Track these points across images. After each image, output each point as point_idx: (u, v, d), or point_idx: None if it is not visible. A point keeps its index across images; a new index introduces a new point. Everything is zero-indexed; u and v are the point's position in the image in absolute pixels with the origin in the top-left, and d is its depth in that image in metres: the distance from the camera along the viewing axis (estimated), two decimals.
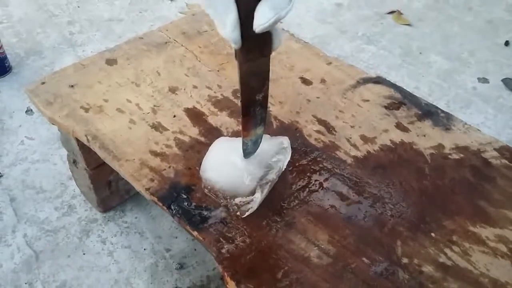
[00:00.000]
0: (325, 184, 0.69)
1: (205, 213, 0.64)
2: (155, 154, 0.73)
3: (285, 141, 0.71)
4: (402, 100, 0.86)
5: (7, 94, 1.41)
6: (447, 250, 0.62)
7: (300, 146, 0.75)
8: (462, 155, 0.76)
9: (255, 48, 0.52)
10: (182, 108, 0.81)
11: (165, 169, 0.70)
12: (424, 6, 1.93)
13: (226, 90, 0.85)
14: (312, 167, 0.72)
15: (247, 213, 0.63)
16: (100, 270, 0.97)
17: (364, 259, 0.60)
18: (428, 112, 0.84)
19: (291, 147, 0.73)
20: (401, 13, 1.86)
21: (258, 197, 0.63)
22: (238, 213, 0.63)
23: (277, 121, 0.80)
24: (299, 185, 0.69)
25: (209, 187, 0.66)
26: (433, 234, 0.64)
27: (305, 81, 0.89)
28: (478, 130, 0.81)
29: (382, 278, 0.58)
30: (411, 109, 0.84)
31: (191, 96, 0.84)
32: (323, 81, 0.89)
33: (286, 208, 0.65)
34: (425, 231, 0.64)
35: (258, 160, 0.65)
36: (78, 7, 1.83)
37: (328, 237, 0.62)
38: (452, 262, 0.60)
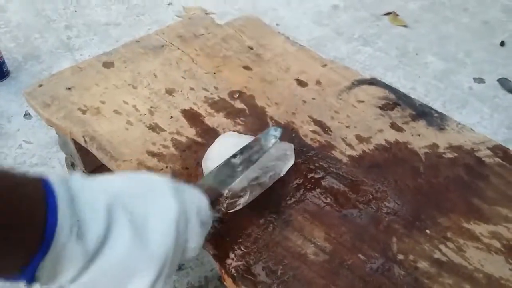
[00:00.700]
0: (321, 183, 0.70)
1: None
2: (152, 154, 0.73)
3: (289, 148, 0.70)
4: (396, 101, 0.87)
5: (5, 99, 1.42)
6: (442, 247, 0.62)
7: (296, 146, 0.76)
8: (456, 154, 0.77)
9: None
10: (179, 110, 0.82)
11: (162, 169, 0.71)
12: (420, 8, 1.94)
13: (222, 91, 0.86)
14: (308, 166, 0.73)
15: (232, 210, 0.64)
16: None
17: (360, 255, 0.61)
18: (422, 113, 0.84)
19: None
20: (397, 15, 1.88)
21: (246, 197, 0.63)
22: (224, 208, 0.64)
23: (273, 121, 0.81)
24: (296, 184, 0.70)
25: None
26: (428, 231, 0.64)
27: (301, 83, 0.90)
28: (472, 129, 0.82)
29: (378, 274, 0.59)
30: (405, 110, 0.85)
31: (187, 97, 0.84)
32: (318, 82, 0.90)
33: (283, 206, 0.66)
34: (420, 228, 0.65)
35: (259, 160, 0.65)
36: (76, 11, 1.84)
37: (325, 234, 0.63)
38: (447, 258, 0.61)
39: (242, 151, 0.63)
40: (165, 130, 0.78)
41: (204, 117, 0.81)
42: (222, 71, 0.91)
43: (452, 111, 1.41)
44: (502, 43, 1.75)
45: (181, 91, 0.86)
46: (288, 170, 0.71)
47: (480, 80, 1.57)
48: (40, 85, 0.86)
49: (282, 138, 0.76)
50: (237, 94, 0.86)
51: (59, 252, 0.34)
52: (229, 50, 0.97)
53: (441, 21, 1.86)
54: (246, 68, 0.92)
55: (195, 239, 0.47)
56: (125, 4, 1.90)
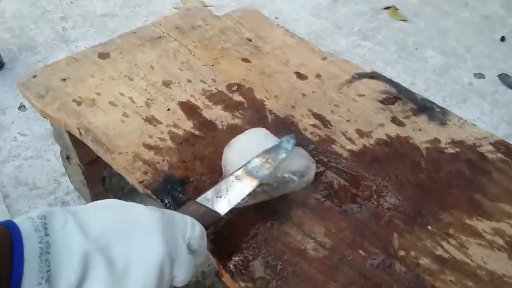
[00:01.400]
0: (321, 178, 0.69)
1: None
2: (148, 147, 0.72)
3: (309, 166, 0.66)
4: (397, 95, 0.85)
5: (0, 90, 1.40)
6: (444, 243, 0.61)
7: (296, 140, 0.74)
8: (458, 149, 0.75)
9: None
10: (176, 102, 0.80)
11: (159, 162, 0.69)
12: (420, 2, 1.93)
13: (220, 84, 0.85)
14: None
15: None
16: None
17: (360, 251, 0.59)
18: (424, 107, 0.83)
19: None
20: (397, 9, 1.86)
21: (248, 200, 0.62)
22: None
23: (272, 115, 0.79)
24: None
25: (223, 162, 0.66)
26: (429, 227, 0.63)
27: (300, 76, 0.88)
28: (474, 125, 0.81)
29: (379, 270, 0.58)
30: (406, 104, 0.83)
31: (185, 90, 0.83)
32: (318, 76, 0.89)
33: (282, 201, 0.65)
34: (421, 224, 0.63)
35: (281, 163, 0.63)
36: (72, 2, 1.82)
37: (325, 230, 0.62)
38: (449, 254, 0.60)
39: (246, 166, 0.61)
40: (162, 123, 0.76)
41: (202, 109, 0.79)
42: (220, 63, 0.90)
43: (452, 106, 1.39)
44: (503, 38, 1.73)
45: (178, 83, 0.84)
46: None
47: (480, 76, 1.56)
48: (34, 76, 0.85)
49: (282, 133, 0.75)
50: (236, 87, 0.84)
51: None
52: (227, 42, 0.95)
53: (441, 16, 1.85)
54: (245, 60, 0.91)
55: (183, 272, 0.46)
56: None
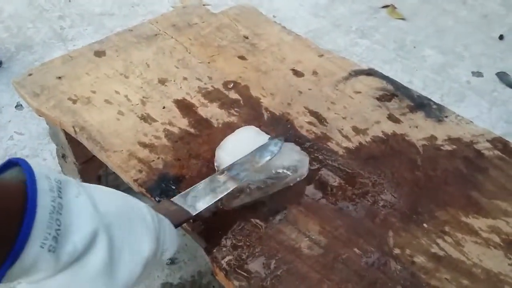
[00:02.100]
0: (316, 175, 0.68)
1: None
2: (143, 145, 0.71)
3: (301, 160, 0.66)
4: (394, 92, 0.85)
5: None
6: (440, 241, 0.61)
7: (292, 138, 0.74)
8: (454, 147, 0.75)
9: None
10: (171, 100, 0.80)
11: (153, 160, 0.69)
12: (418, 0, 1.92)
13: (216, 81, 0.84)
14: None
15: (226, 208, 0.62)
16: None
17: (355, 249, 0.59)
18: (421, 104, 0.83)
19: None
20: (395, 7, 1.85)
21: (242, 197, 0.62)
22: (222, 203, 0.62)
23: (268, 112, 0.79)
24: None
25: (215, 163, 0.66)
26: (425, 225, 0.63)
27: (297, 73, 0.88)
28: (471, 121, 0.80)
29: (374, 268, 0.57)
30: (403, 101, 0.83)
31: (181, 87, 0.82)
32: (314, 73, 0.88)
33: (277, 198, 0.64)
34: (417, 222, 0.63)
35: (265, 164, 0.63)
36: (69, 1, 1.81)
37: (319, 228, 0.61)
38: (445, 252, 0.59)
39: (230, 167, 0.61)
40: (157, 121, 0.76)
41: (197, 107, 0.79)
42: (216, 61, 0.89)
43: (450, 104, 1.39)
44: (501, 37, 1.73)
45: (174, 81, 0.84)
46: None
47: (478, 74, 1.55)
48: (30, 74, 0.84)
49: (278, 131, 0.75)
50: (232, 84, 0.84)
51: (28, 262, 0.34)
52: (223, 40, 0.95)
53: (439, 14, 1.84)
54: (241, 57, 0.90)
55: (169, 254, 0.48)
56: None
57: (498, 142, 0.76)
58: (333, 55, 0.93)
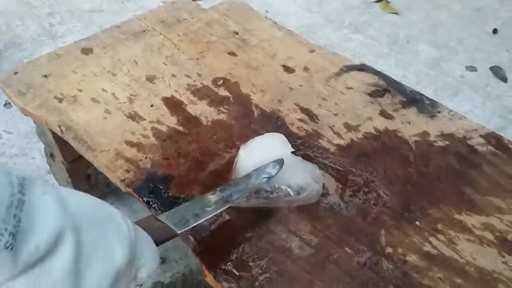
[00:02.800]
0: None
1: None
2: (131, 144, 0.70)
3: (314, 186, 0.63)
4: (386, 87, 0.84)
5: None
6: (432, 239, 0.60)
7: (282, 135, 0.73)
8: (447, 142, 0.74)
9: None
10: (160, 97, 0.78)
11: (141, 160, 0.68)
12: None
13: (206, 78, 0.83)
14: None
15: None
16: None
17: (347, 249, 0.58)
18: (413, 99, 0.82)
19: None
20: (388, 2, 1.84)
21: (239, 202, 0.60)
22: None
23: (258, 109, 0.77)
24: None
25: (236, 158, 0.65)
26: (417, 223, 0.62)
27: (288, 69, 0.87)
28: (464, 117, 0.79)
29: (365, 268, 0.56)
30: (395, 97, 0.82)
31: (169, 85, 0.81)
32: (306, 69, 0.87)
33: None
34: (409, 220, 0.62)
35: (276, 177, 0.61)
36: None
37: (310, 227, 0.60)
38: (437, 251, 0.59)
39: (223, 188, 0.58)
40: (145, 119, 0.74)
41: (186, 105, 0.77)
42: (206, 57, 0.88)
43: (443, 99, 1.38)
44: (495, 31, 1.72)
45: (163, 78, 0.82)
46: None
47: (472, 68, 1.54)
48: (16, 73, 0.82)
49: (268, 128, 0.74)
50: (221, 81, 0.82)
51: None
52: (213, 35, 0.93)
53: (433, 8, 1.83)
54: (231, 54, 0.89)
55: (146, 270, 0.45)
56: None
57: (491, 138, 0.75)
58: (324, 51, 0.92)
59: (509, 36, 1.70)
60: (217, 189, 0.58)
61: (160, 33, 0.93)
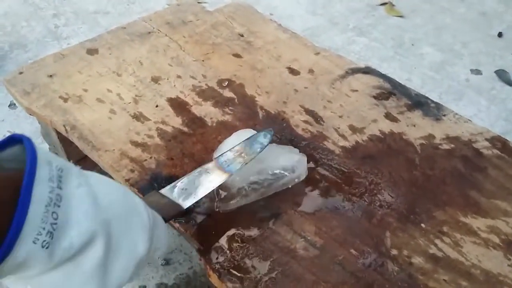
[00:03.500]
0: (312, 175, 0.67)
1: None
2: (136, 144, 0.70)
3: (299, 160, 0.65)
4: (391, 90, 0.84)
5: None
6: (438, 241, 0.59)
7: (287, 137, 0.73)
8: (453, 146, 0.74)
9: None
10: (165, 98, 0.78)
11: (146, 160, 0.68)
12: None
13: (211, 80, 0.83)
14: None
15: (223, 210, 0.60)
16: None
17: (352, 250, 0.58)
18: (418, 102, 0.81)
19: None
20: (393, 5, 1.84)
21: (237, 198, 0.60)
22: (216, 207, 0.61)
23: (263, 111, 0.77)
24: None
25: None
26: (423, 225, 0.61)
27: (293, 71, 0.87)
28: (469, 120, 0.79)
29: (370, 270, 0.56)
30: (400, 99, 0.82)
31: (174, 86, 0.81)
32: (311, 71, 0.87)
33: (272, 198, 0.63)
34: (415, 222, 0.62)
35: (262, 165, 0.62)
36: None
37: (315, 229, 0.60)
38: (443, 253, 0.58)
39: (219, 157, 0.59)
40: (150, 119, 0.74)
41: (191, 106, 0.77)
42: (211, 59, 0.88)
43: (448, 103, 1.37)
44: (500, 34, 1.72)
45: (168, 79, 0.82)
46: None
47: (477, 72, 1.54)
48: (21, 73, 0.83)
49: (273, 130, 0.73)
50: (226, 83, 0.82)
51: (19, 259, 0.32)
52: (218, 37, 0.93)
53: (437, 12, 1.83)
54: (236, 55, 0.89)
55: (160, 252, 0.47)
56: None
57: (497, 141, 0.75)
58: (329, 53, 0.92)
59: None
60: (214, 159, 0.58)
61: (166, 35, 0.93)
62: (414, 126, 0.77)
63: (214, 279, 0.56)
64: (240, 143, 0.61)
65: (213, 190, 0.58)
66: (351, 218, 0.62)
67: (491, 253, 0.59)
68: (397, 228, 0.61)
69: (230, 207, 0.61)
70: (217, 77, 0.83)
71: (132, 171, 0.66)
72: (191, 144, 0.71)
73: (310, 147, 0.72)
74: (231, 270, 0.55)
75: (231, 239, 0.58)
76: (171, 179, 0.65)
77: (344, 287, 0.54)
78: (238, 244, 0.58)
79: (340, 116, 0.78)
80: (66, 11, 1.73)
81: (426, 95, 0.84)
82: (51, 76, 0.81)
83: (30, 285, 0.35)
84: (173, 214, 0.52)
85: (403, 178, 0.68)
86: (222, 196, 0.60)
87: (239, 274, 0.55)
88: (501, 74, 1.52)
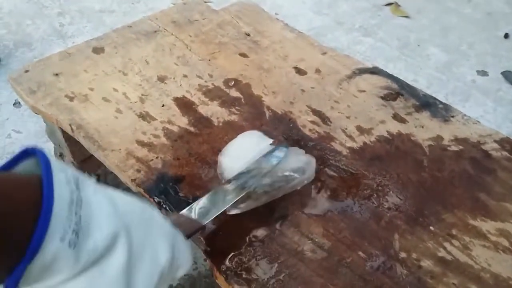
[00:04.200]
0: (319, 176, 0.66)
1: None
2: (142, 144, 0.70)
3: (308, 162, 0.64)
4: (399, 91, 0.83)
5: None
6: (447, 244, 0.59)
7: (294, 137, 0.72)
8: (461, 147, 0.73)
9: None
10: (171, 98, 0.78)
11: (152, 160, 0.67)
12: None
13: (217, 79, 0.82)
14: None
15: (232, 212, 0.60)
16: None
17: (360, 253, 0.57)
18: (426, 103, 0.81)
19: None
20: (399, 5, 1.83)
21: (248, 202, 0.59)
22: (227, 208, 0.60)
23: (270, 111, 0.77)
24: None
25: (218, 170, 0.64)
26: (432, 228, 0.61)
27: (299, 71, 0.86)
28: (478, 122, 0.78)
29: (379, 273, 0.55)
30: (408, 100, 0.81)
31: (180, 85, 0.81)
32: (317, 71, 0.86)
33: (279, 200, 0.62)
34: (423, 225, 0.61)
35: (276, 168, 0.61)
36: None
37: (323, 231, 0.59)
38: (452, 256, 0.58)
39: (238, 176, 0.59)
40: (156, 119, 0.74)
41: (198, 105, 0.77)
42: (217, 58, 0.87)
43: (454, 104, 1.36)
44: (506, 35, 1.71)
45: (174, 78, 0.82)
46: None
47: (483, 73, 1.53)
48: (26, 71, 0.82)
49: (280, 130, 0.73)
50: (233, 82, 0.82)
51: (48, 258, 0.31)
52: (225, 37, 0.93)
53: (443, 12, 1.82)
54: (243, 55, 0.88)
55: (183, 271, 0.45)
56: None
57: (506, 143, 0.74)
58: (336, 53, 0.91)
59: None
60: (231, 179, 0.59)
61: (172, 34, 0.92)
62: (422, 127, 0.76)
63: (221, 281, 0.55)
64: (257, 159, 0.61)
65: None
66: (359, 220, 0.61)
67: (500, 257, 0.58)
68: (405, 230, 0.60)
69: (240, 210, 0.60)
70: (224, 77, 0.83)
71: (138, 171, 0.66)
72: (198, 144, 0.70)
73: (317, 148, 0.71)
74: (238, 272, 0.55)
75: (238, 241, 0.58)
76: (178, 179, 0.65)
77: None
78: (245, 246, 0.57)
79: (348, 117, 0.77)
80: (71, 9, 1.73)
81: (432, 96, 0.83)
82: (57, 74, 0.81)
83: None
84: (193, 230, 0.52)
85: (412, 180, 0.67)
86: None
87: (246, 276, 0.54)
88: (507, 75, 1.51)
